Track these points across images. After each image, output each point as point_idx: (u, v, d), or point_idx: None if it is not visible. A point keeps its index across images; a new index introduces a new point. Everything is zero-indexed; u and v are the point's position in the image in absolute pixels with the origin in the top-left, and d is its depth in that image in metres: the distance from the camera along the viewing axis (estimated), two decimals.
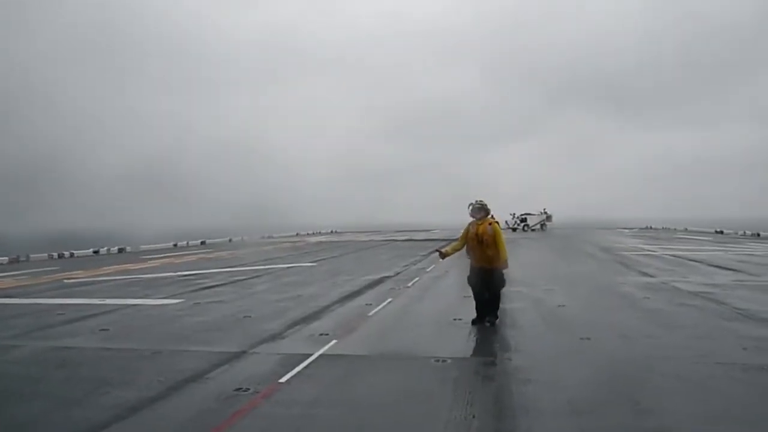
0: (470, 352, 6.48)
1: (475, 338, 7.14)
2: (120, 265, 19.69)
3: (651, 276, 13.38)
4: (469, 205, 7.85)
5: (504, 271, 7.81)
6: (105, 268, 18.90)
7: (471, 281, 7.90)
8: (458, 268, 15.50)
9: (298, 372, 5.69)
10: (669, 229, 44.10)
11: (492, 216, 7.89)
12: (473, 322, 7.79)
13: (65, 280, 15.33)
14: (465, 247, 7.87)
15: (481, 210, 7.79)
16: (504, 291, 8.11)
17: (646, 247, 24.26)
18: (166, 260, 21.81)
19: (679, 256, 18.80)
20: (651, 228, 47.47)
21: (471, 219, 7.84)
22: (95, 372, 5.96)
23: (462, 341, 6.96)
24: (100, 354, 6.78)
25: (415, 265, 17.31)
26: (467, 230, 7.82)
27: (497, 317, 7.85)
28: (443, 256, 8.01)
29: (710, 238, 30.99)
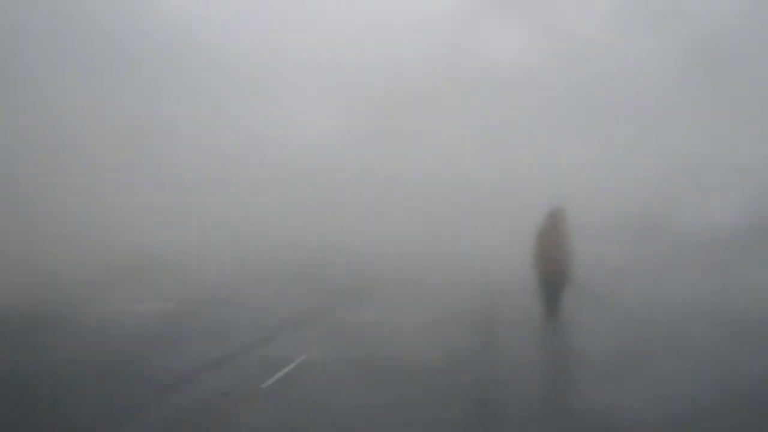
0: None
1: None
2: None
3: None
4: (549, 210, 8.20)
5: None
6: None
7: (543, 284, 8.22)
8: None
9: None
10: None
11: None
12: (545, 320, 8.20)
13: None
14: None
15: (559, 216, 8.10)
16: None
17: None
18: None
19: None
20: None
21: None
22: None
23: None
24: None
25: None
26: (543, 235, 8.13)
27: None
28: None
29: None
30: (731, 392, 5.09)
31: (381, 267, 13.79)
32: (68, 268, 10.72)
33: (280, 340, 7.67)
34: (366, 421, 4.51)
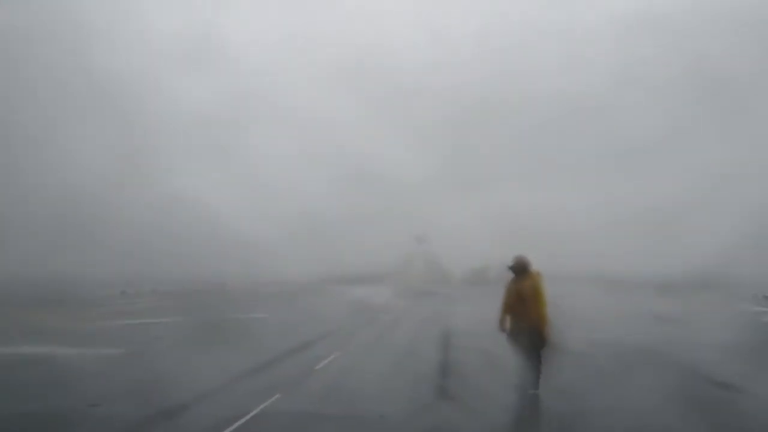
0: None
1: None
2: None
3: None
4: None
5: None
6: None
7: (514, 343, 7.08)
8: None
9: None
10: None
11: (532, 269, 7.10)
12: (520, 388, 7.01)
13: None
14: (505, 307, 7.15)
15: (520, 267, 7.08)
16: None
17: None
18: None
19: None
20: None
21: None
22: None
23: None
24: None
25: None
26: (508, 289, 7.15)
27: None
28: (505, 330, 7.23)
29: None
30: None
31: None
32: None
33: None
34: None
